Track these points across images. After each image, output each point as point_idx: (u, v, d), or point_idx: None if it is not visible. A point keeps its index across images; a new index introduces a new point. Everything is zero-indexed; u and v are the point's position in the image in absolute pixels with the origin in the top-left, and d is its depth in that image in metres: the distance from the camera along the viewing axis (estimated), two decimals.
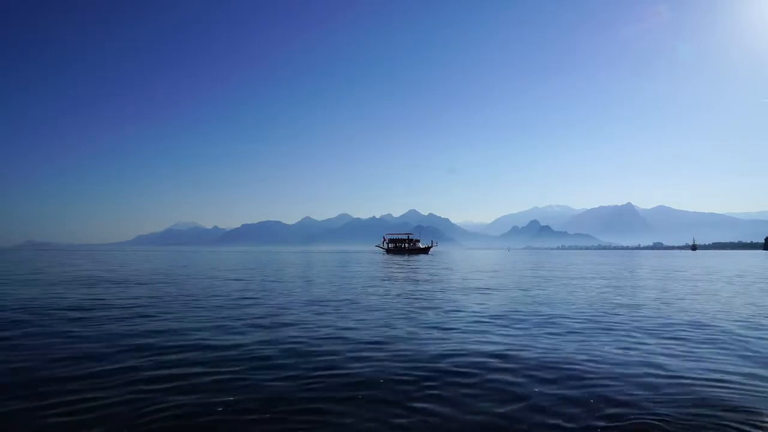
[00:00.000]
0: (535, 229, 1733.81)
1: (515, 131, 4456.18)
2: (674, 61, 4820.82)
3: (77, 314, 8.31)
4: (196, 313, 8.49)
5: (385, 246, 75.58)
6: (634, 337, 6.52)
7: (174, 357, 5.27)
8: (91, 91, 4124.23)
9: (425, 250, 74.89)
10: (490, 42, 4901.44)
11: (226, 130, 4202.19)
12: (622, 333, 6.79)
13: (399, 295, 11.95)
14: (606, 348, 5.78)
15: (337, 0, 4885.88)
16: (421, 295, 11.93)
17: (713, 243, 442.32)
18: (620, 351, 5.61)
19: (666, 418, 3.52)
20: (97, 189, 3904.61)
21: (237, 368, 4.79)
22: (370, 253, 78.82)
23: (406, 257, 52.12)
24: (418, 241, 75.18)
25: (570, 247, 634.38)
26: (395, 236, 76.18)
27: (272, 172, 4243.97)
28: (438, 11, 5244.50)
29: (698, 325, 7.45)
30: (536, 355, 5.35)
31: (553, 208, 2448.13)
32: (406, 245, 73.90)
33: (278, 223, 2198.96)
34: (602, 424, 3.43)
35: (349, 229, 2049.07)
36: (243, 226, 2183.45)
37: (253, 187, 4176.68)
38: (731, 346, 5.97)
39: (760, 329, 7.19)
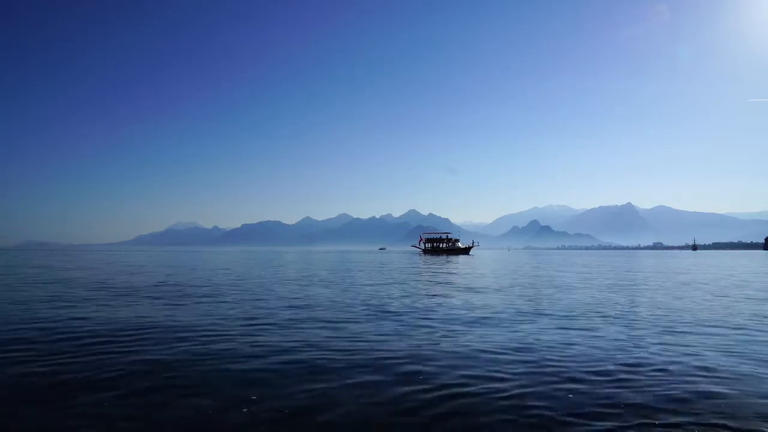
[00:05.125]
0: (535, 229, 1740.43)
1: (515, 131, 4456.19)
2: (674, 61, 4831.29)
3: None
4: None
5: (422, 246, 74.06)
6: None
7: None
8: (91, 91, 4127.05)
9: (466, 251, 71.30)
10: (491, 42, 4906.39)
11: (226, 130, 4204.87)
12: None
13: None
14: None
15: (338, 0, 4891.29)
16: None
17: (713, 243, 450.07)
18: None
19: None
20: (97, 189, 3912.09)
21: None
22: (378, 254, 76.46)
23: (445, 258, 49.18)
24: (458, 240, 72.26)
25: (570, 247, 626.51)
26: (432, 236, 74.15)
27: (272, 172, 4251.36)
28: (438, 11, 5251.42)
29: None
30: None
31: (553, 208, 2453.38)
32: (444, 245, 71.83)
33: (278, 223, 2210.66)
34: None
35: (349, 229, 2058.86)
36: (243, 226, 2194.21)
37: (253, 187, 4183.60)
38: None
39: None
